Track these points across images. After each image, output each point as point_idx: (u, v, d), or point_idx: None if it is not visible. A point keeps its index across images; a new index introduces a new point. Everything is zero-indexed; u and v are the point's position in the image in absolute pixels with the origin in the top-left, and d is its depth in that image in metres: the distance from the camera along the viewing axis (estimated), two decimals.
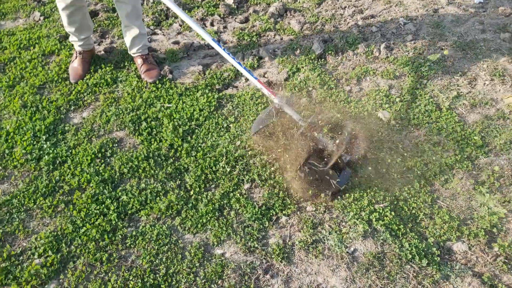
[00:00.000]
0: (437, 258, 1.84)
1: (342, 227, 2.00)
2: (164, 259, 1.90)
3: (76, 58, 2.96)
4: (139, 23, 2.81)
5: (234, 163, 2.31)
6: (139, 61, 2.92)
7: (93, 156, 2.37)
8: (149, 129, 2.53)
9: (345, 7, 3.60)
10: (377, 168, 2.23)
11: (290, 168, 2.12)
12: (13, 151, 2.44)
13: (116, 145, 2.47)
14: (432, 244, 1.90)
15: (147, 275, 1.84)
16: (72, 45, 3.12)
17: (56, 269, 1.88)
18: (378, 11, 3.50)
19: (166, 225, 2.05)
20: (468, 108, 2.56)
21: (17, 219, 2.09)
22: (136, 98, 2.74)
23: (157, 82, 2.85)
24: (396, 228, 1.96)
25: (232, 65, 2.27)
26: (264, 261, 1.89)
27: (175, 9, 2.28)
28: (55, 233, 2.01)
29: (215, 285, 1.80)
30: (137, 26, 2.79)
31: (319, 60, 3.02)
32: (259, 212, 2.07)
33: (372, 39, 3.18)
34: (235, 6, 3.66)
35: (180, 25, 3.46)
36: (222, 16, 3.56)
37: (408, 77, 2.81)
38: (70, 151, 2.42)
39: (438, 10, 3.42)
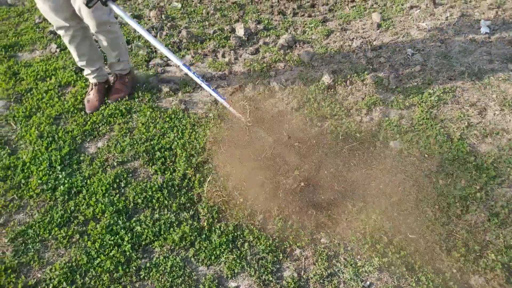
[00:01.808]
0: None
1: (357, 260, 1.98)
2: None
3: (91, 89, 3.04)
4: (116, 54, 2.94)
5: (246, 193, 2.32)
6: (111, 78, 3.15)
7: (107, 186, 2.40)
8: (163, 159, 2.57)
9: (353, 38, 3.68)
10: (389, 199, 2.22)
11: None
12: (29, 181, 2.47)
13: (131, 175, 2.50)
14: (449, 278, 1.88)
15: None
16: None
17: None
18: (386, 42, 3.58)
19: (179, 256, 2.04)
20: (480, 139, 2.57)
21: (32, 250, 2.10)
22: (150, 128, 2.79)
23: (170, 112, 2.91)
24: (413, 261, 1.94)
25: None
26: None
27: (154, 41, 2.41)
28: (70, 264, 2.02)
29: None
30: (114, 56, 2.96)
31: (329, 90, 3.07)
32: (273, 244, 2.07)
33: (381, 70, 3.24)
34: (246, 38, 3.76)
35: (192, 57, 3.55)
36: (233, 47, 3.66)
37: (418, 107, 2.84)
38: (85, 181, 2.45)
39: (445, 40, 3.49)
